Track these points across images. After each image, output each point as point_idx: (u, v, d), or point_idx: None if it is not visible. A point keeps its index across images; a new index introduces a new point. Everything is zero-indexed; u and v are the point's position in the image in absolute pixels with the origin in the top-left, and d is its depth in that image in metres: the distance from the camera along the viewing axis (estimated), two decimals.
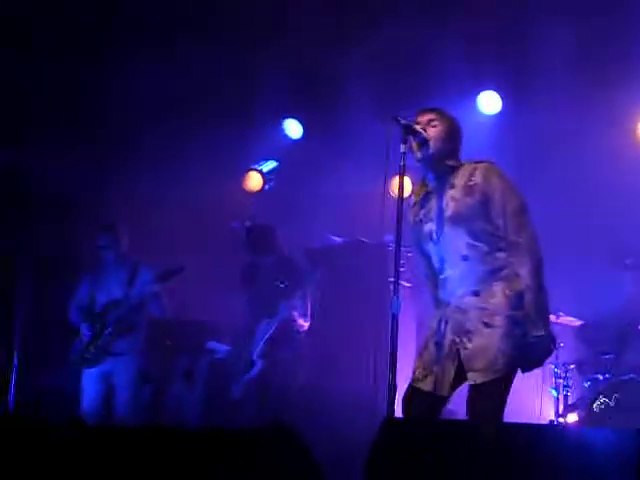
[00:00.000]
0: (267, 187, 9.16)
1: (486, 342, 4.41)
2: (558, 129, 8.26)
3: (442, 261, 4.62)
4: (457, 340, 4.50)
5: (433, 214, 4.66)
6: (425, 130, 4.66)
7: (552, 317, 7.08)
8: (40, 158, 8.10)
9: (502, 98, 8.72)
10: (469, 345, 4.45)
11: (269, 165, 9.25)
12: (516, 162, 7.45)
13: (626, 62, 7.94)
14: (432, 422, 4.18)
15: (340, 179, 8.56)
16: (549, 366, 7.37)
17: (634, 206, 8.06)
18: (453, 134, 4.75)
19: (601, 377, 7.18)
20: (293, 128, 9.38)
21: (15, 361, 7.27)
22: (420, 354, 4.68)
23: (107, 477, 3.45)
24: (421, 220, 4.73)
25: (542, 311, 4.48)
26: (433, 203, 4.68)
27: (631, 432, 3.14)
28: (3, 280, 7.64)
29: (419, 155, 4.66)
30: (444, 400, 4.59)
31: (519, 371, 4.60)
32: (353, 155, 8.41)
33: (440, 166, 4.69)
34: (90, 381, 6.99)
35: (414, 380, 4.60)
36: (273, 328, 7.12)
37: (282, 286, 7.17)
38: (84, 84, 8.23)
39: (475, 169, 4.61)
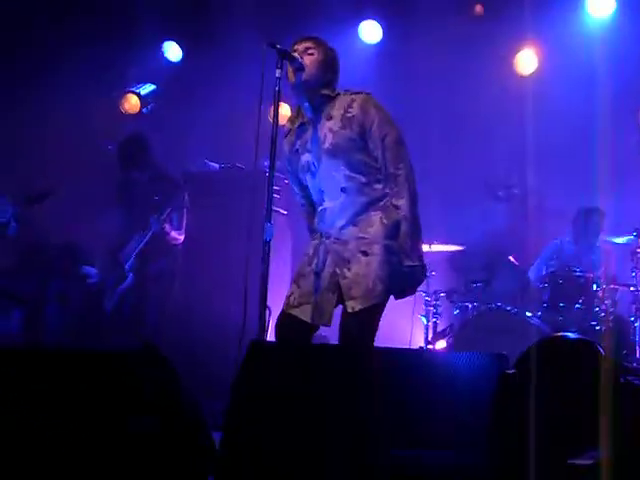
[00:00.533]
0: (145, 110, 9.01)
1: (364, 270, 4.46)
2: (438, 60, 8.32)
3: (321, 193, 4.63)
4: (337, 271, 4.53)
5: (310, 145, 4.64)
6: (301, 58, 4.64)
7: (426, 246, 7.29)
8: None
9: (383, 28, 8.74)
10: (348, 274, 4.49)
11: (147, 88, 9.08)
12: (395, 91, 7.55)
13: None
14: (300, 345, 4.23)
15: (219, 103, 8.47)
16: (420, 294, 7.49)
17: (510, 139, 8.21)
18: (329, 63, 4.70)
19: (470, 305, 7.37)
20: (173, 51, 9.22)
21: None
22: (296, 281, 4.68)
23: None
24: (297, 150, 4.71)
25: (416, 242, 4.55)
26: (309, 134, 4.65)
27: (491, 356, 3.24)
28: None
29: (294, 81, 4.64)
30: (317, 328, 4.65)
31: (391, 298, 4.71)
32: (233, 80, 8.32)
33: (316, 95, 4.65)
34: None
35: (288, 306, 4.62)
36: (144, 241, 7.04)
37: (156, 198, 7.07)
38: None
39: (353, 100, 4.60)
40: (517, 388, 2.57)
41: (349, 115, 4.56)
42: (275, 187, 7.60)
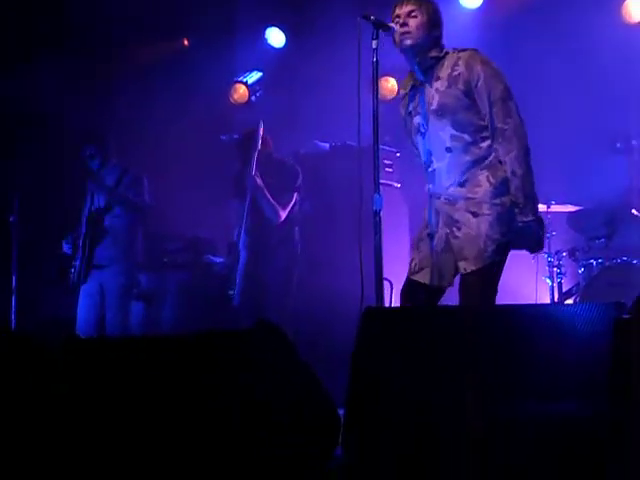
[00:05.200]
0: (253, 98, 9.09)
1: (475, 231, 4.50)
2: (541, 16, 8.19)
3: (429, 154, 4.67)
4: (448, 231, 4.59)
5: (420, 107, 4.69)
6: (406, 22, 4.62)
7: (543, 207, 7.18)
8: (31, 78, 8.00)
9: None
10: (458, 234, 4.55)
11: (254, 76, 9.15)
12: (500, 53, 7.41)
13: None
14: (414, 308, 4.24)
15: (324, 83, 8.47)
16: (542, 255, 7.41)
17: (625, 89, 8.00)
18: (434, 21, 4.70)
19: (594, 262, 7.24)
20: (276, 37, 9.29)
21: (14, 284, 7.28)
22: (415, 246, 4.78)
23: (101, 390, 3.53)
24: (410, 113, 4.77)
25: (530, 196, 4.55)
26: (420, 96, 4.70)
27: (608, 304, 3.17)
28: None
29: (401, 47, 4.66)
30: (442, 291, 4.71)
31: (510, 260, 4.68)
32: (336, 59, 8.31)
33: (424, 58, 4.68)
34: (83, 297, 6.96)
35: (410, 272, 4.73)
36: (246, 208, 6.87)
37: (271, 182, 6.97)
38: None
39: (459, 58, 4.62)
40: (633, 332, 2.53)
41: (455, 73, 4.58)
42: (387, 161, 7.72)
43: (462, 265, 4.53)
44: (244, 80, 9.12)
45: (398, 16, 4.66)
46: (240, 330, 3.44)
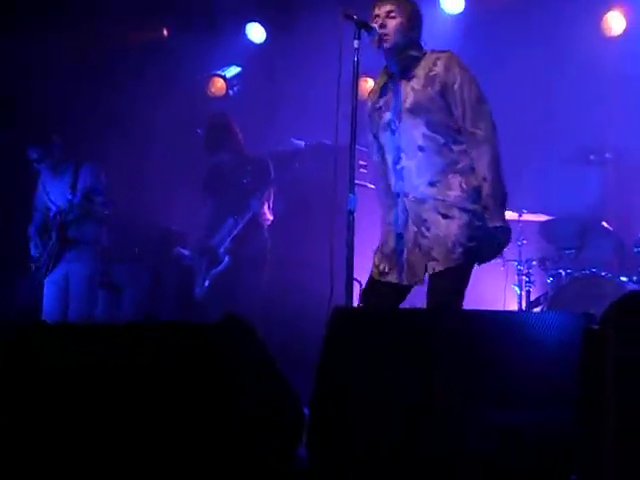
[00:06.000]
0: (231, 92, 9.08)
1: (444, 232, 4.52)
2: (520, 26, 8.19)
3: (399, 150, 4.67)
4: (416, 230, 4.60)
5: (392, 103, 4.70)
6: (384, 23, 4.61)
7: (515, 215, 7.20)
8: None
9: None
10: (427, 234, 4.57)
11: (232, 70, 9.16)
12: (479, 61, 7.40)
13: None
14: (382, 309, 4.24)
15: (303, 81, 8.46)
16: (512, 263, 7.44)
17: (600, 102, 8.03)
18: (413, 22, 4.72)
19: (563, 272, 7.25)
20: (256, 32, 9.26)
21: None
22: (380, 249, 4.75)
23: (66, 376, 3.50)
24: (380, 108, 4.78)
25: (500, 203, 4.57)
26: (393, 92, 4.71)
27: (578, 315, 3.18)
28: None
29: (380, 48, 4.66)
30: (409, 289, 4.71)
31: (480, 267, 4.70)
32: (316, 57, 8.30)
33: (403, 57, 4.70)
34: (48, 285, 6.94)
35: (379, 274, 4.72)
36: (242, 223, 7.03)
37: (245, 182, 7.08)
38: None
39: (437, 59, 4.64)
40: (602, 343, 2.54)
41: (432, 74, 4.60)
42: (362, 162, 7.70)
43: (431, 265, 4.55)
44: (222, 74, 9.12)
45: (377, 16, 4.68)
46: (209, 323, 3.40)
